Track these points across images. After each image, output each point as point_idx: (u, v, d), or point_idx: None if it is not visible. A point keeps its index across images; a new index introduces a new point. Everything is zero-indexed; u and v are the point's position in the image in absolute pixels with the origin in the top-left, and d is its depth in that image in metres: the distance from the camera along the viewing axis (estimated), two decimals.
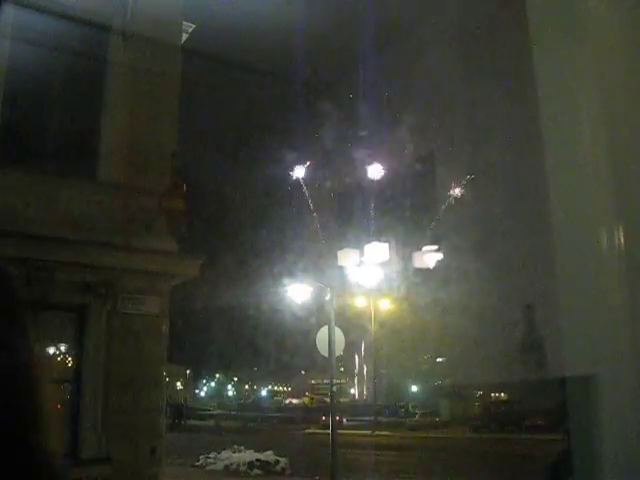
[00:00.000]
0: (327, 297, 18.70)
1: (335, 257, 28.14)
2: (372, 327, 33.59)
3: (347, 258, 25.86)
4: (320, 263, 28.21)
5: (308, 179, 35.99)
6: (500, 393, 44.74)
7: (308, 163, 35.61)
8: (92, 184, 11.46)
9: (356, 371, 55.64)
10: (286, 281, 25.03)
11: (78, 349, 11.15)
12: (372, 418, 41.31)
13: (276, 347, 41.83)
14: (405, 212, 31.44)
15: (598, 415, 1.95)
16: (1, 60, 10.34)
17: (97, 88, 11.74)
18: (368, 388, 52.28)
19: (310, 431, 39.43)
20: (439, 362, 44.49)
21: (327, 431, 20.37)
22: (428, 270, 29.31)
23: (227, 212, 34.60)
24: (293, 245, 31.28)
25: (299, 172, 35.35)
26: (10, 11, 7.29)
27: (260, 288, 31.55)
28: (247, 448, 23.51)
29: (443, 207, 30.67)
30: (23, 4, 8.64)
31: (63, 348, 12.04)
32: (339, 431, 20.20)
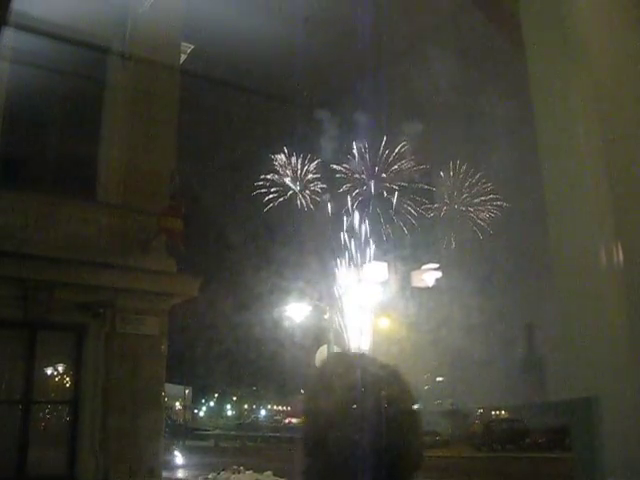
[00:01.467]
0: (326, 316, 18.67)
1: (334, 276, 28.21)
2: (371, 345, 33.52)
3: (346, 277, 25.88)
4: (319, 282, 28.26)
5: (307, 197, 36.04)
6: (500, 411, 44.58)
7: (306, 180, 35.71)
8: (91, 204, 11.48)
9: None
10: (285, 300, 25.05)
11: (76, 369, 11.11)
12: None
13: (275, 366, 41.68)
14: (404, 231, 31.55)
15: (600, 435, 1.94)
16: (1, 82, 10.39)
17: (96, 109, 11.79)
18: None
19: None
20: (439, 381, 44.40)
21: None
22: (428, 288, 29.28)
23: (225, 230, 34.60)
24: (292, 263, 31.28)
25: (298, 190, 35.45)
26: (10, 34, 7.33)
27: (259, 307, 31.54)
28: (247, 469, 23.36)
29: (442, 226, 30.74)
30: (23, 27, 8.69)
31: (61, 368, 12.00)
32: None
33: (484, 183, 28.85)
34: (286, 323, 27.35)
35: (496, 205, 27.60)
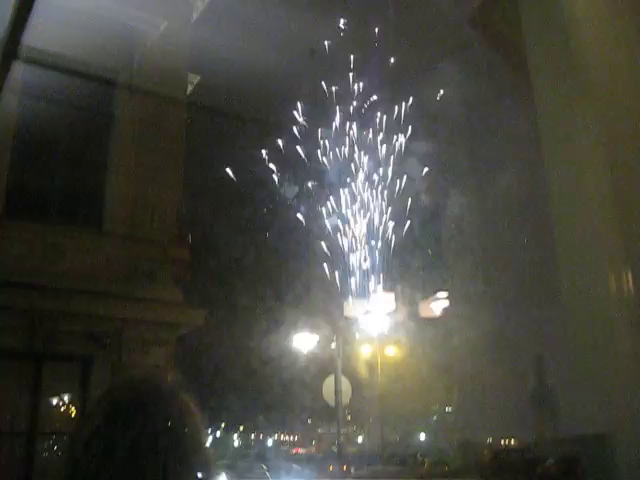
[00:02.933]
0: (333, 345, 18.57)
1: (341, 306, 28.09)
2: (379, 376, 33.33)
3: (353, 308, 25.81)
4: (326, 312, 28.16)
5: (315, 228, 36.11)
6: (510, 440, 44.04)
7: (313, 211, 35.77)
8: (97, 235, 11.50)
9: (370, 419, 54.95)
10: (292, 330, 24.96)
11: (82, 400, 11.05)
12: (380, 467, 40.62)
13: (282, 396, 41.46)
14: (412, 261, 31.45)
15: (614, 471, 1.90)
16: (10, 115, 10.48)
17: (103, 140, 11.88)
18: (376, 437, 51.63)
19: None
20: (448, 412, 44.00)
21: None
22: (436, 319, 29.21)
23: (231, 261, 34.59)
24: (299, 293, 31.22)
25: (305, 221, 35.51)
26: (19, 68, 7.41)
27: (266, 336, 31.43)
28: None
29: (450, 256, 30.66)
30: (32, 61, 8.78)
31: (67, 399, 11.94)
32: None
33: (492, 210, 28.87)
34: (293, 353, 27.27)
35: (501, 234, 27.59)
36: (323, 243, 35.22)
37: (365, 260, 32.50)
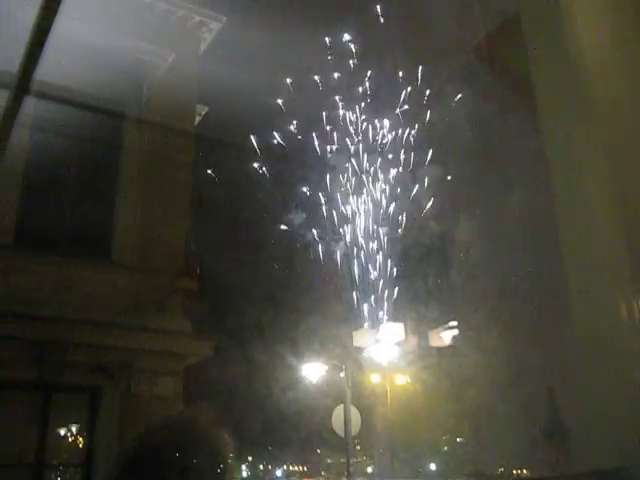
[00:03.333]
0: (342, 374, 18.48)
1: (351, 336, 27.99)
2: (388, 406, 33.12)
3: (363, 338, 25.78)
4: (336, 342, 28.06)
5: (324, 259, 36.14)
6: (522, 470, 43.50)
7: (322, 240, 35.83)
8: (106, 265, 11.54)
9: (380, 449, 54.41)
10: (301, 359, 24.85)
11: (90, 431, 11.01)
12: None
13: (291, 426, 41.18)
14: (421, 290, 31.36)
15: None
16: (21, 148, 10.58)
17: (112, 172, 11.98)
18: (386, 467, 51.09)
19: None
20: (459, 442, 43.50)
21: None
22: (445, 349, 29.05)
23: (239, 292, 34.59)
24: (309, 323, 31.15)
25: (315, 251, 35.56)
26: (30, 102, 7.49)
27: (275, 366, 31.31)
28: None
29: (459, 283, 30.57)
30: (42, 95, 8.89)
31: (74, 430, 11.90)
32: None
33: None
34: (302, 383, 27.14)
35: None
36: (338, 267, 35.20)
37: (375, 290, 32.48)
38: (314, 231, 36.34)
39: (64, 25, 4.09)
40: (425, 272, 32.22)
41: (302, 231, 35.93)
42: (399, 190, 34.92)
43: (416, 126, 37.10)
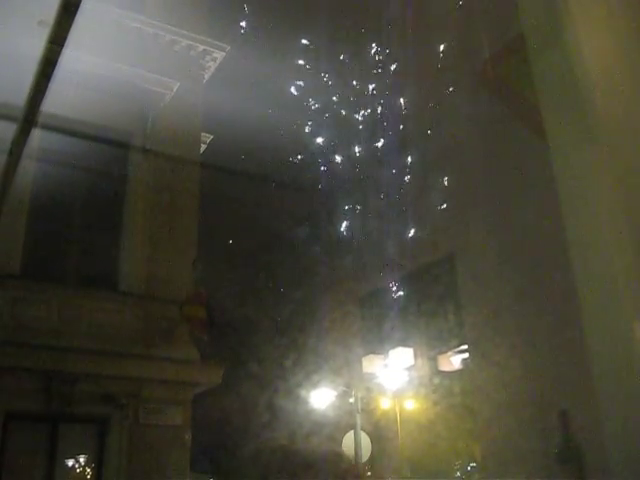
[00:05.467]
0: (351, 400, 18.39)
1: (359, 362, 27.92)
2: (398, 431, 32.88)
3: (372, 364, 25.68)
4: (345, 368, 27.96)
5: (331, 283, 36.07)
6: None
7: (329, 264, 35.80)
8: (114, 294, 11.53)
9: (391, 475, 53.84)
10: (310, 385, 24.73)
11: (99, 462, 10.92)
12: None
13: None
14: (429, 315, 31.22)
15: None
16: (27, 180, 10.65)
17: (118, 201, 12.02)
18: None
19: None
20: (472, 467, 43.06)
21: None
22: (456, 372, 28.82)
23: (247, 320, 34.52)
24: (317, 351, 31.03)
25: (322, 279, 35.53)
26: (37, 134, 7.55)
27: (283, 392, 31.15)
28: None
29: (468, 307, 30.43)
30: (49, 127, 8.96)
31: (83, 461, 11.81)
32: None
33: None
34: (312, 409, 26.95)
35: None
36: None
37: (385, 316, 32.36)
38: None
39: (69, 56, 4.12)
40: (434, 295, 32.10)
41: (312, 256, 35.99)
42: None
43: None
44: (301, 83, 30.64)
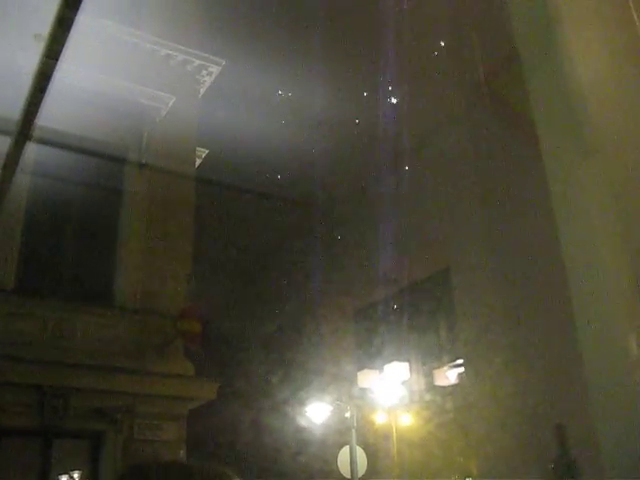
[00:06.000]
0: (347, 414, 18.30)
1: (354, 376, 27.88)
2: (394, 445, 32.76)
3: (367, 379, 25.62)
4: (339, 382, 27.89)
5: (326, 302, 36.06)
6: None
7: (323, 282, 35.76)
8: (108, 309, 11.49)
9: None
10: (305, 400, 24.64)
11: (93, 477, 10.85)
12: None
13: (296, 468, 40.69)
14: (424, 329, 31.20)
15: None
16: (21, 194, 10.64)
17: (113, 215, 12.01)
18: None
19: None
20: None
21: None
22: (452, 387, 28.81)
23: (242, 336, 34.44)
24: (312, 366, 30.97)
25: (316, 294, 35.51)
26: (32, 147, 7.55)
27: (278, 407, 31.03)
28: None
29: (463, 322, 30.41)
30: (44, 141, 8.97)
31: (77, 477, 11.73)
32: None
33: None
34: (305, 429, 26.87)
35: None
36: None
37: (379, 329, 32.34)
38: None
39: (64, 70, 4.13)
40: (428, 310, 32.09)
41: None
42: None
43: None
44: (295, 94, 30.74)
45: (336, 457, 17.30)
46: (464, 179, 26.83)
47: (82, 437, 10.97)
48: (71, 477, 11.66)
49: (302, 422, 24.03)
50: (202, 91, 14.29)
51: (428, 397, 30.18)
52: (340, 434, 20.77)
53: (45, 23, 3.86)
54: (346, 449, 16.53)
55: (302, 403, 25.33)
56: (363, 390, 25.93)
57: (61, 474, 11.26)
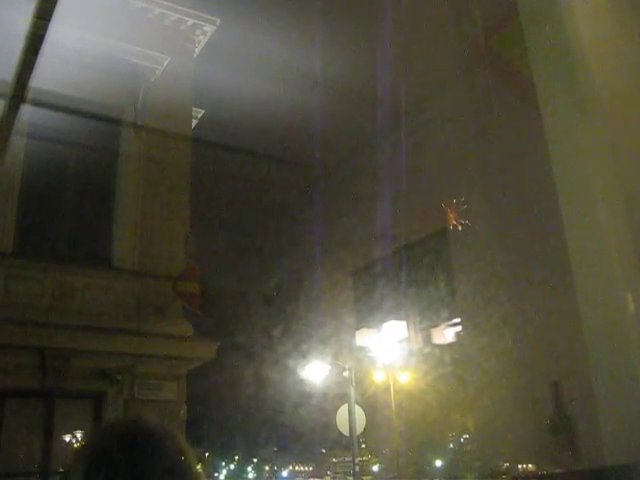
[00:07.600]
0: (345, 373, 18.43)
1: (353, 335, 28.06)
2: (392, 404, 33.11)
3: (365, 337, 25.82)
4: (339, 341, 28.07)
5: (324, 259, 36.12)
6: (528, 464, 43.32)
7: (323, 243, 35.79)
8: (107, 271, 11.51)
9: (385, 448, 54.38)
10: (304, 359, 24.84)
11: None
12: None
13: (296, 426, 41.19)
14: (423, 288, 31.28)
15: None
16: (17, 156, 10.57)
17: (110, 177, 11.96)
18: (391, 465, 51.04)
19: None
20: (465, 438, 43.39)
21: None
22: (449, 345, 29.05)
23: (242, 293, 34.54)
24: (312, 323, 31.16)
25: (315, 252, 35.55)
26: (26, 110, 7.48)
27: (278, 367, 31.30)
28: None
29: (460, 278, 30.48)
30: (38, 102, 8.88)
31: (79, 437, 11.86)
32: None
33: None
34: (305, 382, 27.13)
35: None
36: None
37: (377, 288, 32.43)
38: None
39: (57, 32, 4.07)
40: (428, 264, 32.15)
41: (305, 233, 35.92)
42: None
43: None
44: (292, 52, 30.42)
45: (336, 409, 17.44)
46: (463, 137, 26.66)
47: (84, 397, 11.06)
48: (74, 436, 11.79)
49: (303, 375, 24.24)
50: (197, 51, 14.13)
51: (426, 355, 30.43)
52: (340, 386, 20.96)
53: None
54: (344, 407, 16.67)
55: (303, 356, 25.53)
56: (362, 348, 26.13)
57: (64, 434, 11.39)
